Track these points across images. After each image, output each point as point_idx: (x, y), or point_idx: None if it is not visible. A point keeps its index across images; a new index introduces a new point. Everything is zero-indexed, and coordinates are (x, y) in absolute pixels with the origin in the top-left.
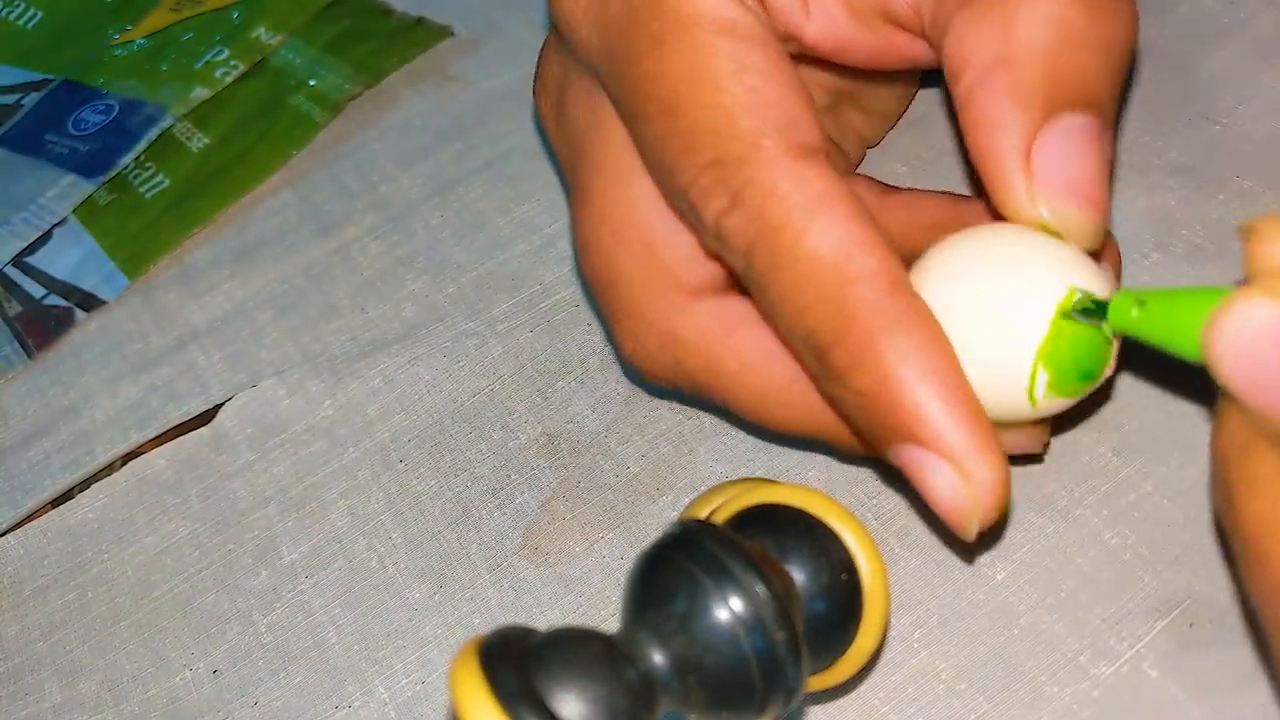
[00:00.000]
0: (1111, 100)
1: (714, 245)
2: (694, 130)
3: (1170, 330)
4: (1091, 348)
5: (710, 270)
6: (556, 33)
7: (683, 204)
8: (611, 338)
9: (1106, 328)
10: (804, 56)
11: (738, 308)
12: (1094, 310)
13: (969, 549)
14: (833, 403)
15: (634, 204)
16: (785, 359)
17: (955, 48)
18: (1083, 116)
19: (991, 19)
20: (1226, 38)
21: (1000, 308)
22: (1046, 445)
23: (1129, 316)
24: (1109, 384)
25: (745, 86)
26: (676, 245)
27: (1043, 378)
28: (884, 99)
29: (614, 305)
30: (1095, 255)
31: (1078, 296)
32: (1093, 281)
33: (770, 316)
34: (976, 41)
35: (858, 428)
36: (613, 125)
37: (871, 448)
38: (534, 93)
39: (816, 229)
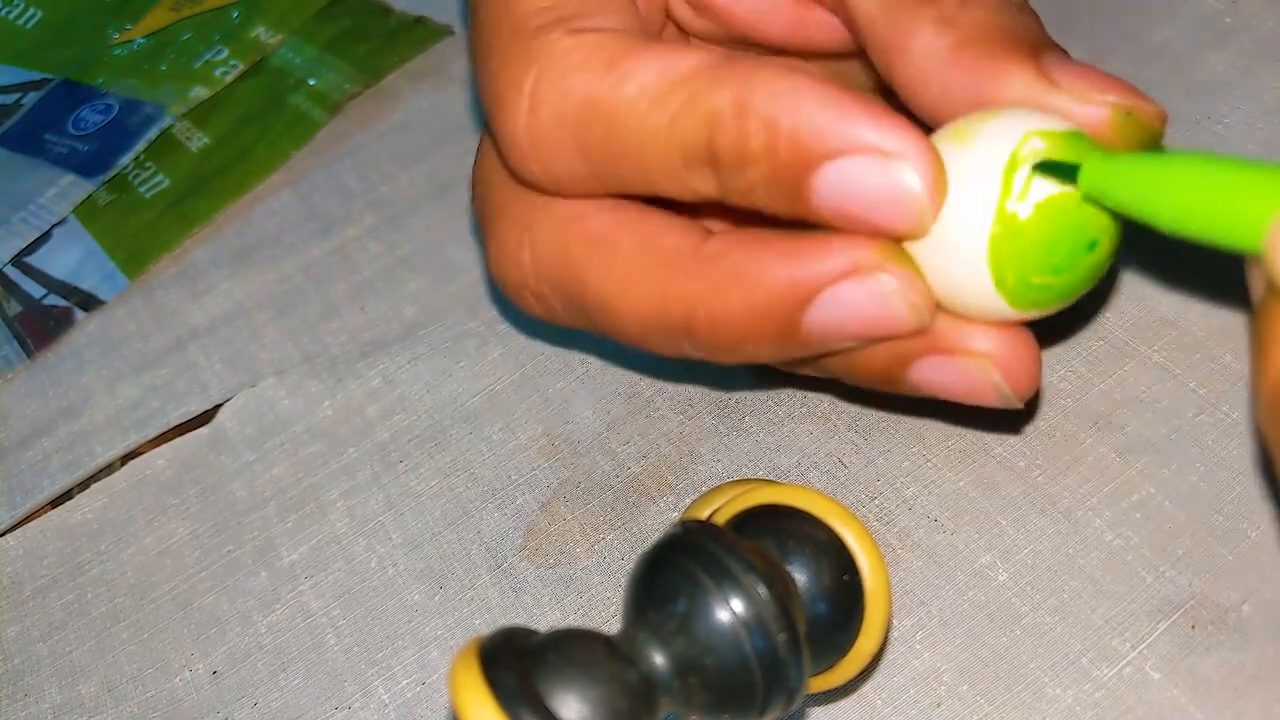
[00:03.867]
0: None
1: (531, 161)
2: (496, 36)
3: (1171, 197)
4: (1068, 223)
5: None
6: None
7: (495, 114)
8: (484, 257)
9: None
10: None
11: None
12: (1058, 167)
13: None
14: (745, 200)
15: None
16: (634, 228)
17: (890, 31)
18: (1055, 52)
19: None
20: (1228, 38)
21: (953, 183)
22: None
23: (1108, 173)
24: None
25: None
26: None
27: (1011, 268)
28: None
29: (483, 214)
30: None
31: (1030, 145)
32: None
33: (643, 177)
34: (914, 21)
35: (775, 207)
36: None
37: (792, 210)
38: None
39: (629, 72)
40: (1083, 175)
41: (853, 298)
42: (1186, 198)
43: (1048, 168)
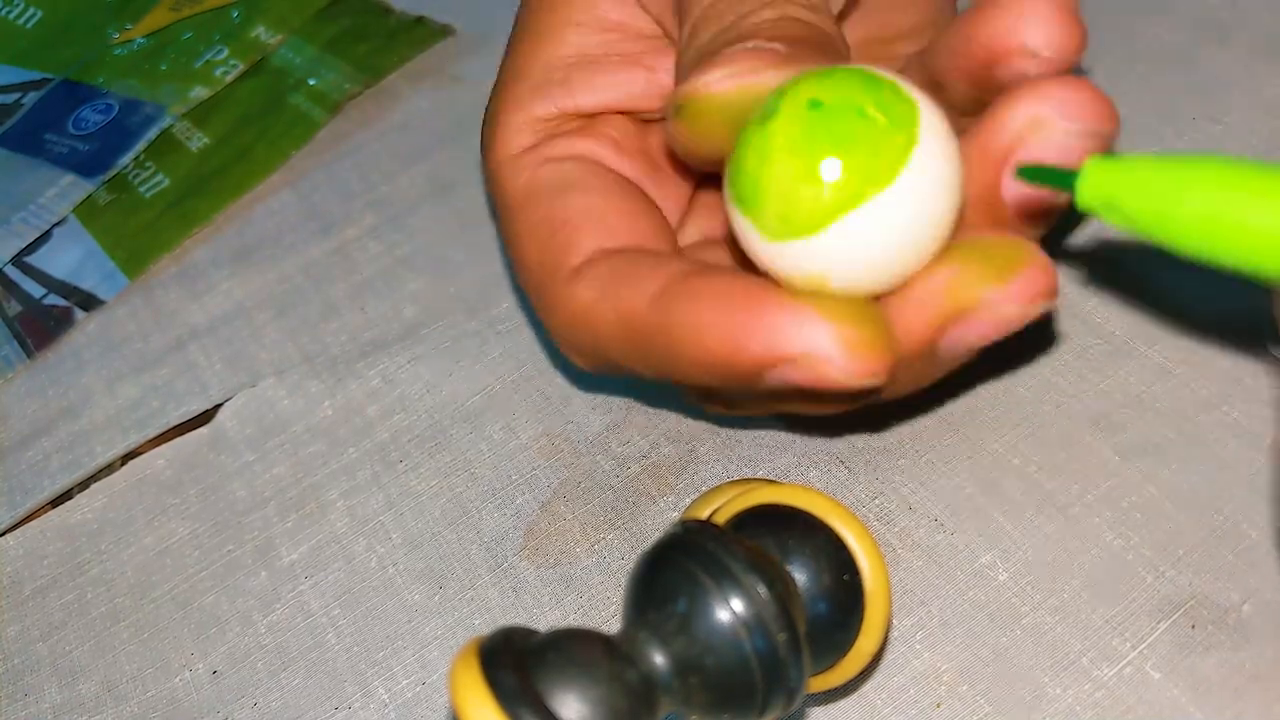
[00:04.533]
0: None
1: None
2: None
3: (1196, 212)
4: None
5: (586, 250)
6: None
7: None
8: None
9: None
10: None
11: (605, 273)
12: (1051, 174)
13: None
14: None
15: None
16: (626, 293)
17: None
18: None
19: None
20: (1228, 37)
21: None
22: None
23: (1114, 181)
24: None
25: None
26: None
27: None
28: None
29: (533, 300)
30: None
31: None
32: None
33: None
34: None
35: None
36: None
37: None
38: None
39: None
40: (1081, 184)
41: (804, 375)
42: (1215, 213)
43: (1038, 174)
